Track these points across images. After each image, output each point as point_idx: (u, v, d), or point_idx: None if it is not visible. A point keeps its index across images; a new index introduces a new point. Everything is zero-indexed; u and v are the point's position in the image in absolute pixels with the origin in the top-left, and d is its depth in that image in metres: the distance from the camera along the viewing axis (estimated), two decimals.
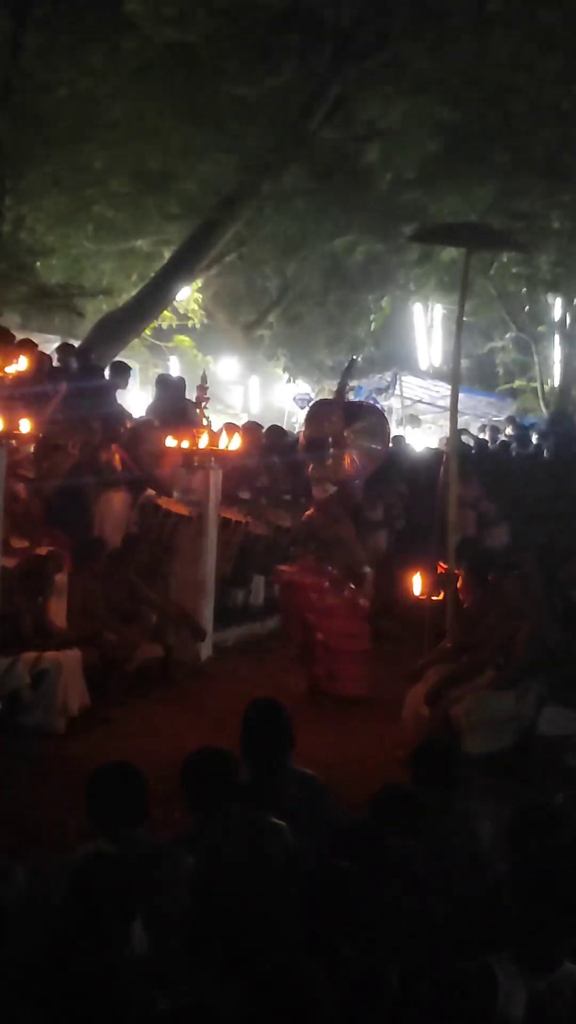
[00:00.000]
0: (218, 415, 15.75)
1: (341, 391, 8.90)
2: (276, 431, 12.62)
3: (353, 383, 14.15)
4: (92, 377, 11.22)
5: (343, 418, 8.33)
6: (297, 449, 9.86)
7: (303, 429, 8.94)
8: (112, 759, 3.97)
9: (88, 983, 2.84)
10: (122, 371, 11.71)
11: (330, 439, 8.24)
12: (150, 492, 9.59)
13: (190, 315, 18.85)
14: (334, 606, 8.13)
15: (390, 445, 10.18)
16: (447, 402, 9.91)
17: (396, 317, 22.25)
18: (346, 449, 8.26)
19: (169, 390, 12.19)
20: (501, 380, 23.10)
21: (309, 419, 8.80)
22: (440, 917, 3.39)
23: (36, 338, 12.55)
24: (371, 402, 15.44)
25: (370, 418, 8.71)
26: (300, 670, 8.26)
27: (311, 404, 9.84)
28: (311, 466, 8.43)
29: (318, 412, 8.73)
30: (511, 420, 18.17)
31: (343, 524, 8.37)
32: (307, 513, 8.60)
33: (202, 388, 9.63)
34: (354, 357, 13.58)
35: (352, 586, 8.30)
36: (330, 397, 9.53)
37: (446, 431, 11.82)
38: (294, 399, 22.58)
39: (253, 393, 24.17)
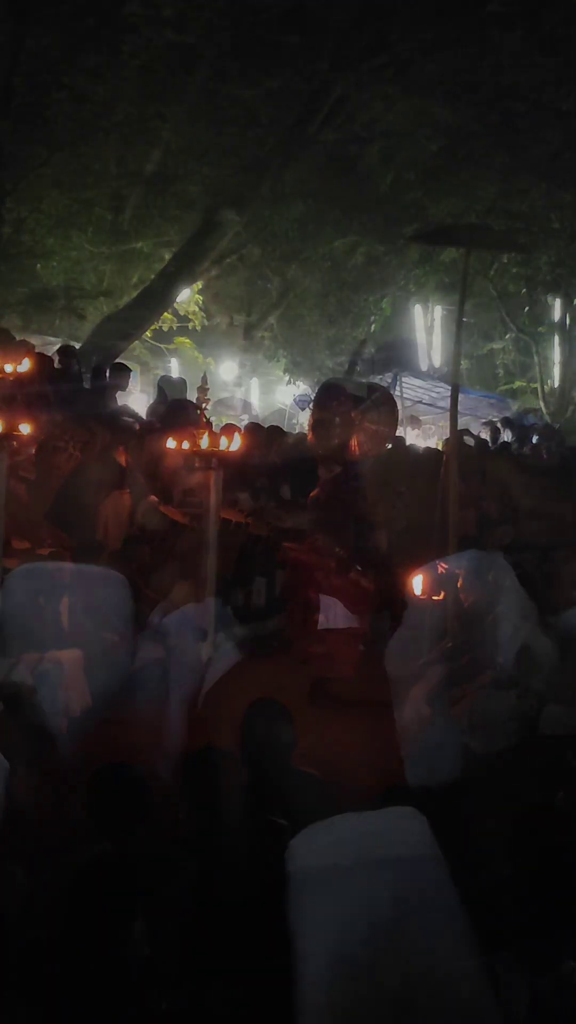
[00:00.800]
0: (218, 417, 15.75)
1: (351, 371, 8.84)
2: (275, 432, 12.60)
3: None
4: (93, 379, 11.23)
5: (352, 398, 8.29)
6: (298, 449, 9.84)
7: (312, 409, 8.89)
8: (113, 759, 3.96)
9: (88, 983, 2.84)
10: (122, 373, 11.71)
11: (337, 419, 8.20)
12: (152, 498, 9.59)
13: (191, 316, 18.85)
14: (339, 586, 8.09)
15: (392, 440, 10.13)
16: (447, 403, 9.90)
17: (396, 318, 22.23)
18: (353, 429, 8.21)
19: (171, 392, 12.20)
20: (501, 381, 23.06)
21: (319, 398, 8.74)
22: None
23: (37, 340, 12.58)
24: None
25: (379, 400, 8.66)
26: (302, 670, 8.25)
27: (322, 384, 9.74)
28: (317, 446, 8.37)
29: (328, 392, 8.66)
30: (507, 421, 18.15)
31: (349, 503, 8.34)
32: (312, 493, 8.57)
33: (203, 389, 9.64)
34: (363, 339, 13.44)
35: (358, 567, 8.26)
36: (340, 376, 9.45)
37: (447, 432, 11.81)
38: (295, 400, 22.57)
39: (254, 394, 24.15)
